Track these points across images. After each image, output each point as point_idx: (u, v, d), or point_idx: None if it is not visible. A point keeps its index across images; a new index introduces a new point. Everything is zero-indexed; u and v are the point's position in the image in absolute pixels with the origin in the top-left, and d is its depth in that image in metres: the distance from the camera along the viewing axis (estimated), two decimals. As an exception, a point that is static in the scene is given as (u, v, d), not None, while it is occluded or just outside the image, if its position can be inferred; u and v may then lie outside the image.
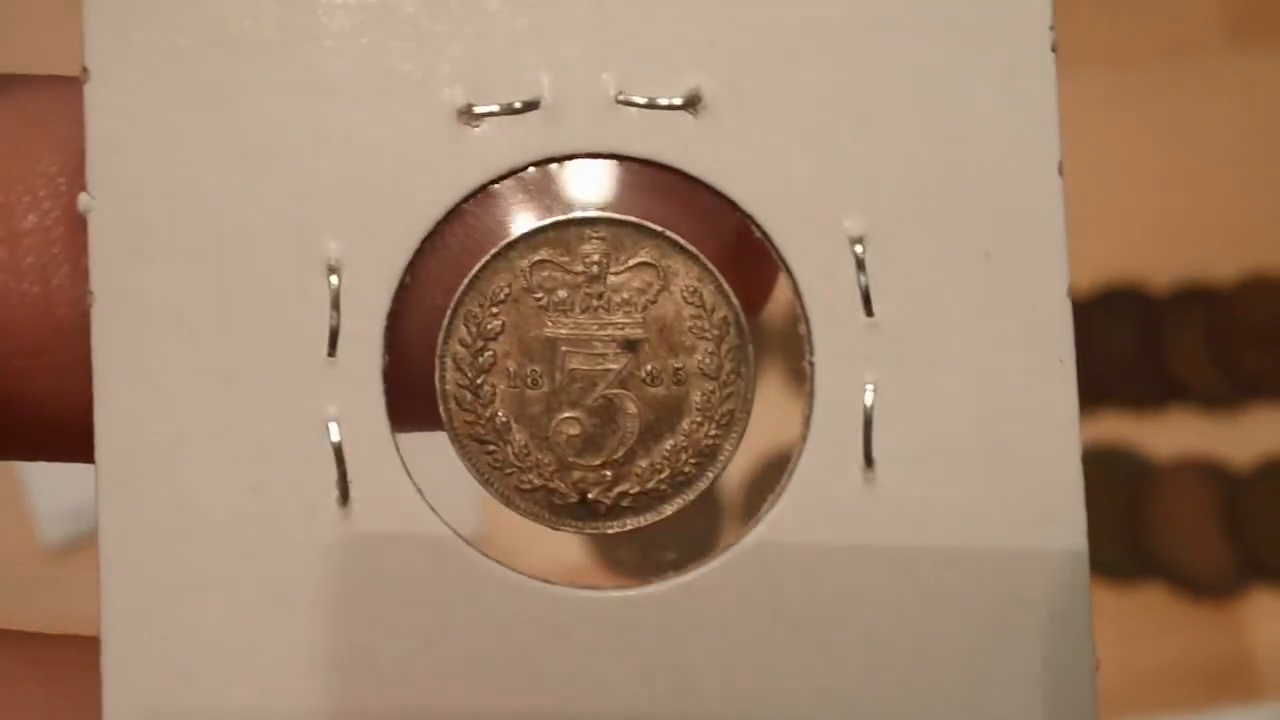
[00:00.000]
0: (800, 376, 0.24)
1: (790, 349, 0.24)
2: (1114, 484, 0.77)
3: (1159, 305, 0.80)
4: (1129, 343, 0.80)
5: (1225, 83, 0.84)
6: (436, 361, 0.24)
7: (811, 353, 0.24)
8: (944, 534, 0.23)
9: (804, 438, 0.24)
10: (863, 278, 0.24)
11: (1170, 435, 0.79)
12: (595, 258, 0.24)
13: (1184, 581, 0.77)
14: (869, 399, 0.23)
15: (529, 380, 0.24)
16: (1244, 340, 0.79)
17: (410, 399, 0.24)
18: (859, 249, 0.24)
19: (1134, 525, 0.77)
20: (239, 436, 0.23)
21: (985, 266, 0.24)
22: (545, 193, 0.24)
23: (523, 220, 0.24)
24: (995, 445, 0.23)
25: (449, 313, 0.24)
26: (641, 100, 0.24)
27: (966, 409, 0.24)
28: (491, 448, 0.24)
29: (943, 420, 0.23)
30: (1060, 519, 0.23)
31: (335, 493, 0.23)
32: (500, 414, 0.24)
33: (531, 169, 0.24)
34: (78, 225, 0.23)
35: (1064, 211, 0.24)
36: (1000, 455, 0.23)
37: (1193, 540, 0.77)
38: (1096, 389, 0.78)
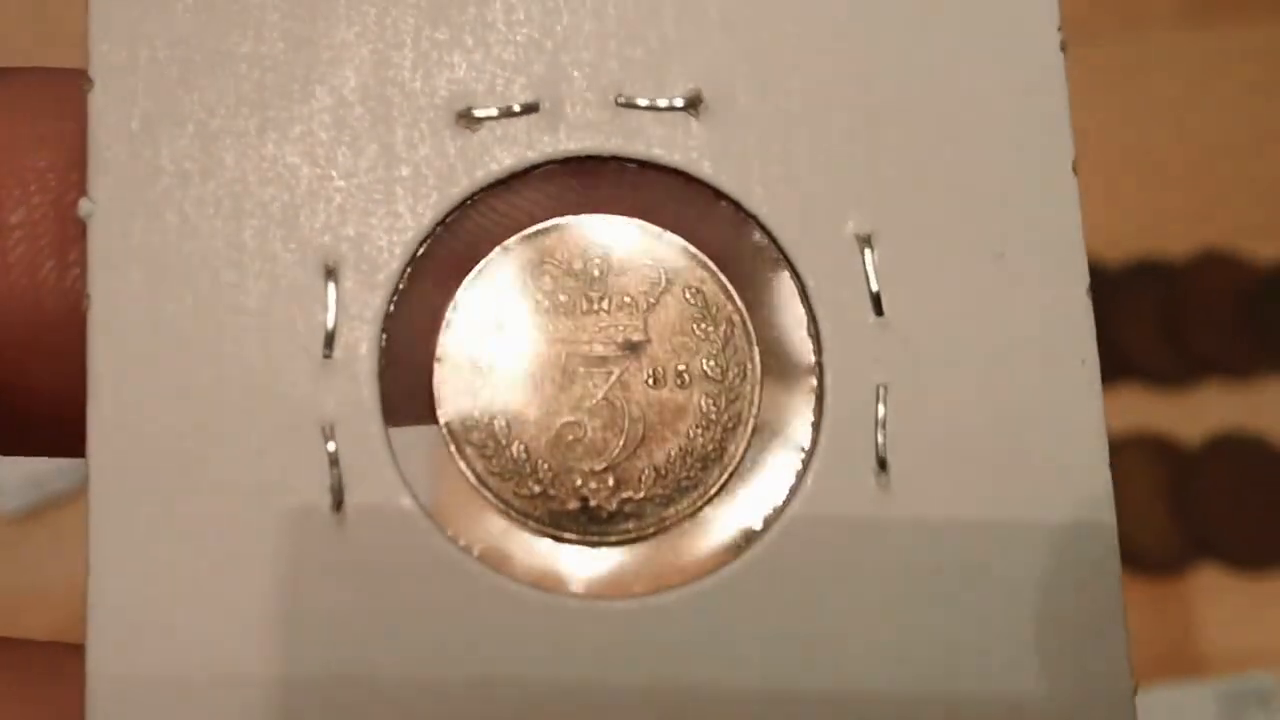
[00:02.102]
0: (808, 379, 0.24)
1: (797, 351, 0.24)
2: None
3: (1110, 281, 0.81)
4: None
5: (1178, 59, 0.84)
6: (434, 364, 0.23)
7: (820, 354, 0.23)
8: (962, 540, 0.23)
9: (814, 442, 0.23)
10: (871, 278, 0.23)
11: (1120, 412, 0.79)
12: (596, 259, 0.24)
13: (1131, 559, 0.77)
14: (880, 401, 0.23)
15: (529, 383, 0.24)
16: (1195, 318, 0.80)
17: (407, 402, 0.23)
18: (867, 249, 0.23)
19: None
20: (233, 439, 0.22)
21: (998, 266, 0.24)
22: (545, 194, 0.24)
23: (522, 222, 0.24)
24: (1015, 449, 0.23)
25: (447, 315, 0.24)
26: (642, 102, 0.24)
27: (983, 411, 0.23)
28: (489, 453, 0.23)
29: (958, 423, 0.23)
30: (1087, 524, 0.23)
31: (329, 497, 0.22)
32: (499, 419, 0.23)
33: (531, 171, 0.24)
34: (66, 220, 0.23)
35: (1079, 209, 0.24)
36: (1020, 459, 0.23)
37: (1141, 518, 0.78)
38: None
